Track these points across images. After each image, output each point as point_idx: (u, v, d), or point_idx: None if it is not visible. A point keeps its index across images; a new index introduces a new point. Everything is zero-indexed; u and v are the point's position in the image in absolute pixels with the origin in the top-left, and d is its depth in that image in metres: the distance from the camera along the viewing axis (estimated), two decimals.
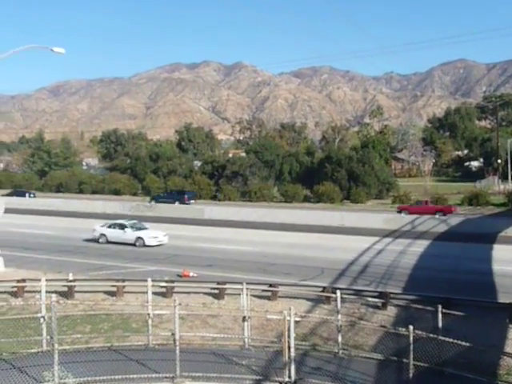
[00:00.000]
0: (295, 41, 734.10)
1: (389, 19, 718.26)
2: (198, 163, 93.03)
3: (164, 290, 19.71)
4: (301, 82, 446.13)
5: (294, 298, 19.02)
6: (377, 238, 34.40)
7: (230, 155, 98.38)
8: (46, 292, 15.69)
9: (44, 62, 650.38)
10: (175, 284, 20.52)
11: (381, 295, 18.64)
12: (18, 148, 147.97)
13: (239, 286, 16.08)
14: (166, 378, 11.48)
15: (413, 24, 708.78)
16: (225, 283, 20.06)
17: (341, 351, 13.32)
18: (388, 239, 34.77)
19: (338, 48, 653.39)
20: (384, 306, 18.16)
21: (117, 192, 79.18)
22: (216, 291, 20.01)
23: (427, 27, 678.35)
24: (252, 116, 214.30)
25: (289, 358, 11.37)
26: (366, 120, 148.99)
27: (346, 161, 73.72)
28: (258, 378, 11.72)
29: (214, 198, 72.49)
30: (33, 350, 12.55)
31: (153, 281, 16.67)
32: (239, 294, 15.87)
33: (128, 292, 20.22)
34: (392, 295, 18.74)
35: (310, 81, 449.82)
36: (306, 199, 68.52)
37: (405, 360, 11.83)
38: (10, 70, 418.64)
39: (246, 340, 14.01)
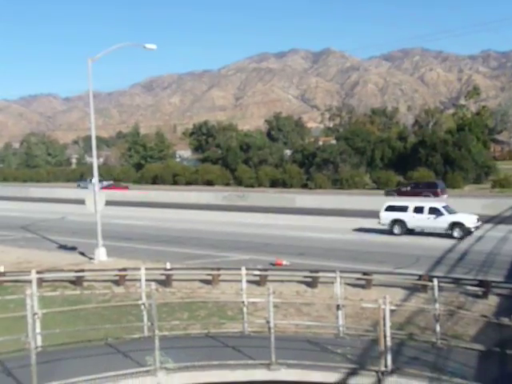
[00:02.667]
0: (385, 23, 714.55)
1: None
2: (288, 152, 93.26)
3: (258, 278, 19.96)
4: (391, 66, 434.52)
5: (389, 286, 18.66)
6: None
7: (320, 143, 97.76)
8: (146, 280, 16.32)
9: (137, 59, 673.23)
10: (268, 272, 20.72)
11: (481, 284, 17.89)
12: (115, 143, 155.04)
13: (332, 275, 15.96)
14: (261, 364, 11.61)
15: None
16: (318, 271, 20.01)
17: (439, 341, 12.92)
18: (488, 225, 33.28)
19: (429, 28, 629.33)
20: (485, 295, 17.42)
21: (209, 183, 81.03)
22: (309, 279, 20.02)
23: None
24: (341, 102, 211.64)
25: (385, 346, 11.16)
26: (462, 101, 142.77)
27: (441, 145, 71.31)
28: (353, 366, 11.60)
29: (305, 186, 72.43)
30: (135, 336, 13.09)
31: (247, 269, 16.91)
32: (332, 283, 15.77)
33: (223, 280, 20.65)
34: (493, 284, 17.94)
35: (400, 63, 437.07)
36: (400, 185, 66.90)
37: (508, 351, 11.30)
38: (106, 68, 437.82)
39: (341, 328, 13.91)
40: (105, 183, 77.23)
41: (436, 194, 51.67)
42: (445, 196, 51.15)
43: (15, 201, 60.99)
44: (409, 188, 55.82)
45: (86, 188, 75.83)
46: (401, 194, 53.40)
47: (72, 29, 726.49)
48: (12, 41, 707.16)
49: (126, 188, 77.53)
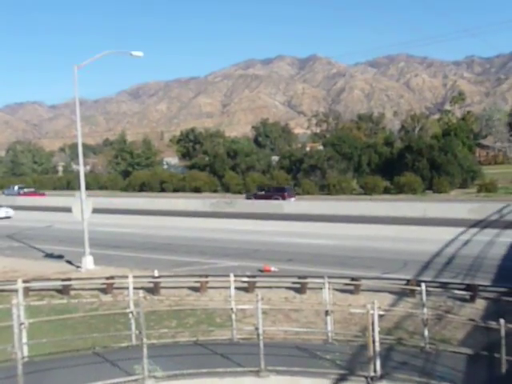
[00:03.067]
0: (370, 30, 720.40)
1: (467, 0, 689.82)
2: (275, 158, 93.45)
3: (246, 285, 19.92)
4: (377, 72, 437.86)
5: (377, 291, 18.69)
6: (462, 229, 33.24)
7: (308, 149, 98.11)
8: (134, 288, 16.24)
9: (123, 66, 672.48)
10: (257, 279, 20.69)
11: (468, 288, 17.96)
12: (102, 150, 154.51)
13: (321, 280, 15.97)
14: (250, 371, 11.59)
15: (493, 4, 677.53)
16: (306, 277, 20.01)
17: (427, 345, 12.97)
18: (474, 229, 33.50)
19: (414, 34, 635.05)
20: (472, 299, 17.50)
21: (197, 189, 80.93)
22: (298, 285, 20.01)
23: (509, 7, 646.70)
24: (328, 108, 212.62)
25: (374, 352, 11.18)
26: (447, 107, 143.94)
27: (427, 150, 71.84)
28: (342, 372, 11.61)
29: None
30: (123, 344, 13.01)
31: (235, 276, 16.86)
32: (321, 288, 15.78)
33: (211, 287, 20.59)
34: (481, 287, 18.02)
35: (386, 70, 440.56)
36: (387, 191, 67.30)
37: (496, 355, 11.36)
38: (92, 75, 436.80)
39: (330, 334, 13.91)
40: (25, 190, 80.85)
41: (283, 198, 59.81)
42: (292, 199, 60.03)
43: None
44: (263, 192, 63.77)
45: (12, 195, 77.51)
46: (257, 197, 61.43)
47: (58, 37, 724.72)
48: None
49: (43, 195, 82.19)
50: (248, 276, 20.68)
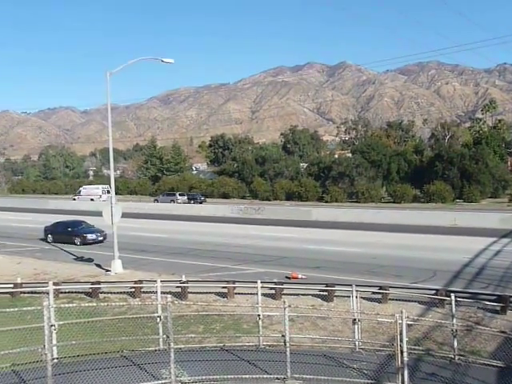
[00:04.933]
0: (400, 37, 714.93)
1: (499, 6, 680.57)
2: (303, 165, 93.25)
3: (273, 291, 19.90)
4: (407, 79, 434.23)
5: (406, 300, 18.49)
6: (493, 239, 32.67)
7: (336, 156, 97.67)
8: (161, 293, 16.35)
9: (154, 73, 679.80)
10: (284, 286, 20.65)
11: (500, 299, 17.64)
12: (132, 155, 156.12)
13: (348, 288, 15.89)
14: (277, 379, 11.56)
15: None
16: (334, 285, 19.90)
17: (457, 357, 12.77)
18: (506, 240, 32.91)
19: (445, 42, 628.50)
20: (503, 311, 17.18)
21: (225, 195, 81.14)
22: (325, 293, 19.90)
23: None
24: (357, 116, 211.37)
25: (401, 362, 11.05)
26: (478, 115, 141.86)
27: (457, 158, 70.87)
28: (369, 381, 11.50)
29: (321, 199, 72.28)
30: (150, 348, 13.11)
31: (262, 282, 16.86)
32: (348, 297, 15.69)
33: (238, 293, 20.62)
34: None
35: (416, 77, 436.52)
36: (416, 199, 66.59)
37: None
38: (124, 81, 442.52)
39: (357, 343, 13.82)
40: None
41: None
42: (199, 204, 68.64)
43: (34, 212, 61.51)
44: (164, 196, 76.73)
45: None
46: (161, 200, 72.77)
47: (90, 43, 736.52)
48: (32, 55, 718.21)
49: None
50: (275, 283, 20.66)
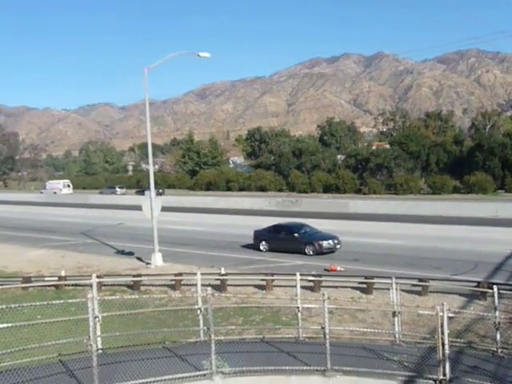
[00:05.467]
0: (439, 25, 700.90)
1: None
2: (341, 157, 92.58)
3: (312, 284, 19.92)
4: (446, 68, 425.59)
5: (446, 293, 18.30)
6: None
7: (374, 148, 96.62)
8: (201, 285, 16.56)
9: (191, 67, 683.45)
10: (323, 278, 20.66)
11: None
12: (170, 150, 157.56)
13: (388, 281, 15.80)
14: (316, 370, 11.60)
15: None
16: (373, 277, 19.82)
17: (500, 350, 12.58)
18: None
19: (486, 28, 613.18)
20: None
21: (262, 188, 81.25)
22: (364, 285, 19.85)
23: None
24: (395, 106, 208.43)
25: (443, 355, 10.96)
26: None
27: (499, 148, 69.32)
28: (410, 374, 11.43)
29: (359, 191, 71.73)
30: (191, 340, 13.31)
31: (301, 275, 16.90)
32: (388, 289, 15.61)
33: (277, 286, 20.72)
34: None
35: (455, 66, 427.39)
36: (456, 190, 65.45)
37: None
38: (161, 76, 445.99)
39: (397, 335, 13.75)
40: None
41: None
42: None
43: (76, 207, 62.87)
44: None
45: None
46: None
47: (127, 40, 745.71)
48: (71, 53, 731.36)
49: None
50: (314, 275, 20.69)
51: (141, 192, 78.99)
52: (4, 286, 22.02)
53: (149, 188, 28.67)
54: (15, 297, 21.44)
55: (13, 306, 11.03)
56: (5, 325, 10.44)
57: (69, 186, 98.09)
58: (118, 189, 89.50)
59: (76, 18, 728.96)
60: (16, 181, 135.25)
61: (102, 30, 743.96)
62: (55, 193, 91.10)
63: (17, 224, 47.79)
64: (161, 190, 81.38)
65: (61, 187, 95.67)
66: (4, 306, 10.57)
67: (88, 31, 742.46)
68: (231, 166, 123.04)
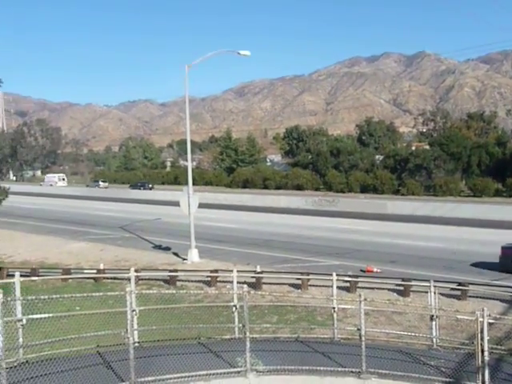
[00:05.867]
0: (483, 24, 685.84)
1: None
2: (379, 157, 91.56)
3: (348, 284, 19.78)
4: (490, 68, 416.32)
5: (486, 298, 17.92)
6: None
7: (413, 148, 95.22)
8: (237, 282, 16.61)
9: (230, 65, 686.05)
10: (359, 279, 20.48)
11: None
12: (208, 147, 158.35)
13: (426, 284, 15.55)
14: (351, 372, 11.50)
15: None
16: (410, 280, 19.55)
17: None
18: None
19: None
20: None
21: (299, 187, 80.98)
22: (401, 288, 19.60)
23: None
24: (436, 107, 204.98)
25: (482, 361, 10.71)
26: None
27: None
28: (447, 380, 11.23)
29: (397, 192, 70.85)
30: (226, 337, 13.37)
31: (337, 275, 16.79)
32: (426, 292, 15.36)
33: (312, 285, 20.65)
34: None
35: (500, 66, 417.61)
36: (498, 193, 63.98)
37: None
38: (200, 74, 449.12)
39: (434, 340, 13.52)
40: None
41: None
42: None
43: (116, 202, 63.88)
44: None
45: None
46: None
47: (167, 37, 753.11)
48: (112, 50, 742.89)
49: None
50: (350, 275, 20.53)
51: (134, 186, 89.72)
52: (45, 277, 22.56)
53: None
54: (55, 288, 21.96)
55: (54, 296, 11.27)
56: (45, 315, 10.67)
57: (63, 179, 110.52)
58: (101, 182, 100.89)
59: (118, 16, 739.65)
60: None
61: (142, 28, 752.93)
62: (51, 185, 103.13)
63: (58, 217, 48.88)
64: (150, 185, 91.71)
65: (56, 180, 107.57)
66: (46, 297, 10.80)
67: (130, 28, 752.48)
68: (268, 164, 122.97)
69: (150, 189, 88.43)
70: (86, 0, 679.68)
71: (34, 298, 10.64)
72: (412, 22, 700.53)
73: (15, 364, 10.76)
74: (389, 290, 19.79)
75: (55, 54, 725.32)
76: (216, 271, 22.12)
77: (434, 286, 14.70)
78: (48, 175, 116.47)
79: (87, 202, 66.08)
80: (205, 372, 11.09)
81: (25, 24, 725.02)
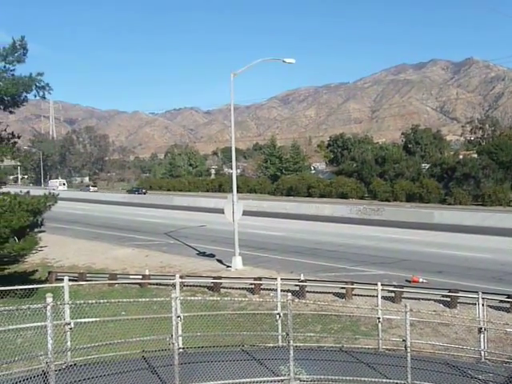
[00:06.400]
0: None
1: None
2: (425, 166, 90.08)
3: (393, 294, 19.50)
4: None
5: None
6: None
7: (461, 157, 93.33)
8: (281, 290, 16.59)
9: (275, 73, 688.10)
10: (404, 289, 20.16)
11: None
12: (252, 154, 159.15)
13: (474, 295, 15.19)
14: None
15: None
16: (457, 291, 19.13)
17: None
18: None
19: None
20: None
21: (344, 195, 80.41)
22: (447, 299, 19.20)
23: None
24: (484, 114, 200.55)
25: None
26: None
27: None
28: None
29: (444, 201, 69.53)
30: (269, 345, 13.37)
31: (382, 285, 16.58)
32: (473, 304, 15.01)
33: (356, 295, 20.44)
34: None
35: None
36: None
37: None
38: (245, 82, 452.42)
39: (482, 353, 13.18)
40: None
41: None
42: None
43: (160, 208, 64.80)
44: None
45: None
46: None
47: (213, 45, 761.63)
48: (160, 59, 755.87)
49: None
50: (395, 285, 20.24)
51: (132, 191, 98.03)
52: (92, 282, 23.05)
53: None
54: (102, 292, 22.40)
55: (102, 301, 11.52)
56: (93, 319, 10.92)
57: (64, 184, 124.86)
58: (91, 187, 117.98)
59: (165, 22, 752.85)
60: (105, 181, 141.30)
61: (191, 41, 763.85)
62: (54, 189, 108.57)
63: (104, 223, 49.88)
64: (144, 190, 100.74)
65: (57, 185, 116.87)
66: (94, 301, 11.06)
67: (177, 37, 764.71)
68: (313, 172, 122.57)
69: (144, 193, 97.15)
70: (136, 5, 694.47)
71: (82, 302, 10.90)
72: (459, 28, 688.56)
73: (63, 366, 11.03)
74: (435, 300, 19.41)
75: (104, 63, 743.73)
76: (260, 279, 22.14)
77: (483, 298, 14.35)
78: (51, 181, 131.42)
79: (130, 208, 67.26)
80: (248, 380, 11.12)
81: (73, 32, 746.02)
